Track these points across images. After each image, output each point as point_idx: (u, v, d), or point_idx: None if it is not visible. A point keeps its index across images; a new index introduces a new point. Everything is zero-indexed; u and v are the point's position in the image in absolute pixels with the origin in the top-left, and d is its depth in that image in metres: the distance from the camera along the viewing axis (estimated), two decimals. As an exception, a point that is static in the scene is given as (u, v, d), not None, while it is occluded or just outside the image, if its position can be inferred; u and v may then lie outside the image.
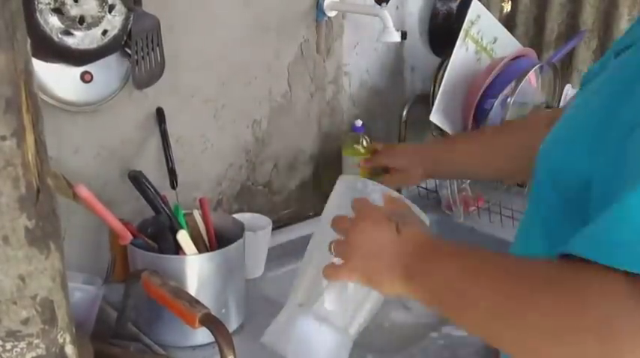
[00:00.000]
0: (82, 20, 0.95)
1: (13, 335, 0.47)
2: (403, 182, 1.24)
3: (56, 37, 0.94)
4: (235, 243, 1.00)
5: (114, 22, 0.99)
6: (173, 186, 1.13)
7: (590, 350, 0.50)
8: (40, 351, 0.49)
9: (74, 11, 0.94)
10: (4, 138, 0.43)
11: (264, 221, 1.23)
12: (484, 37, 1.46)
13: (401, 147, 1.34)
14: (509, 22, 1.66)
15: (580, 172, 0.59)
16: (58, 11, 0.93)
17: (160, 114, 1.13)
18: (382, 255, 0.66)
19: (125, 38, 1.01)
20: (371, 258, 0.67)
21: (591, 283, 0.51)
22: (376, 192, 0.75)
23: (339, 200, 0.79)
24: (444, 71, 1.42)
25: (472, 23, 1.42)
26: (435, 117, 1.44)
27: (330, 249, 0.71)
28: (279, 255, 1.30)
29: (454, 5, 1.60)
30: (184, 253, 0.98)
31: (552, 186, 0.66)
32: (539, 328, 0.52)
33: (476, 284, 0.58)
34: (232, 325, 1.02)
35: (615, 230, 0.50)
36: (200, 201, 1.11)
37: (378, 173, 1.23)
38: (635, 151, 0.52)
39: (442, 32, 1.60)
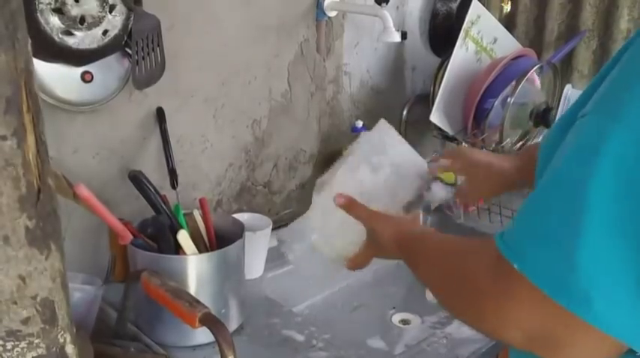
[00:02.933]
0: (82, 20, 0.95)
1: (13, 334, 0.47)
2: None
3: (57, 36, 0.94)
4: (235, 243, 1.00)
5: (114, 22, 0.99)
6: (173, 186, 1.13)
7: (466, 304, 0.62)
8: (40, 351, 0.49)
9: (75, 11, 0.94)
10: (4, 137, 0.43)
11: (264, 221, 1.23)
12: (484, 37, 1.46)
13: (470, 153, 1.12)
14: (509, 22, 1.66)
15: None
16: (59, 11, 0.93)
17: (160, 114, 1.13)
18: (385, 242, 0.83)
19: (125, 38, 1.01)
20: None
21: (479, 253, 0.61)
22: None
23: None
24: (444, 71, 1.42)
25: (472, 23, 1.42)
26: (435, 117, 1.44)
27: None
28: (279, 255, 1.30)
29: (454, 5, 1.60)
30: (184, 253, 0.98)
31: None
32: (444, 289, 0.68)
33: (417, 261, 0.76)
34: (232, 325, 1.02)
35: (516, 219, 0.58)
36: (200, 201, 1.11)
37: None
38: (562, 146, 0.56)
39: (442, 32, 1.60)
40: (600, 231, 0.49)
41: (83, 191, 0.87)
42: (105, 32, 0.98)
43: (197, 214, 1.09)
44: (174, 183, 1.13)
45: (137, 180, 0.99)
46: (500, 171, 0.99)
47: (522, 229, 0.56)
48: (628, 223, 0.49)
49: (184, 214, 1.06)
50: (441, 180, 1.03)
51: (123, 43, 1.01)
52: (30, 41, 0.45)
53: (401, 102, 1.59)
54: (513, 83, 1.37)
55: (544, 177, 0.56)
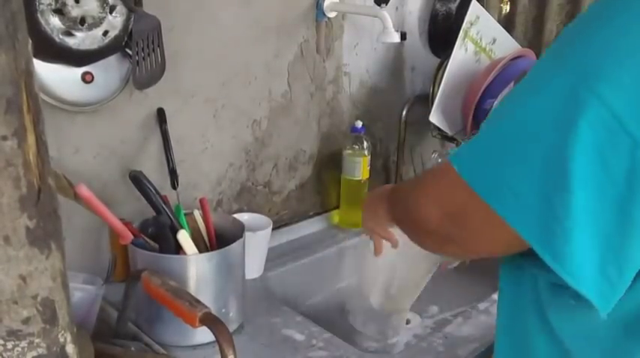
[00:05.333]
0: (82, 21, 0.95)
1: (14, 334, 0.47)
2: None
3: (57, 37, 0.94)
4: (235, 243, 1.00)
5: (115, 23, 0.99)
6: (174, 186, 1.13)
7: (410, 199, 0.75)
8: (41, 350, 0.49)
9: (75, 12, 0.94)
10: (5, 138, 0.43)
11: (264, 221, 1.24)
12: (483, 37, 1.46)
13: None
14: (508, 22, 1.66)
15: None
16: (59, 12, 0.93)
17: (160, 114, 1.13)
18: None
19: (126, 39, 1.01)
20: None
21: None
22: None
23: None
24: (444, 71, 1.42)
25: (471, 24, 1.42)
26: (434, 118, 1.45)
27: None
28: (279, 255, 1.31)
29: (453, 6, 1.60)
30: (185, 253, 0.98)
31: None
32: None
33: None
34: (232, 325, 1.02)
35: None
36: (200, 201, 1.11)
37: None
38: None
39: (441, 33, 1.61)
40: (519, 145, 0.56)
41: (84, 191, 0.87)
42: (105, 33, 0.98)
43: (197, 214, 1.09)
44: (174, 183, 1.13)
45: (138, 180, 0.99)
46: None
47: (471, 147, 0.63)
48: (541, 141, 0.55)
49: (185, 214, 1.07)
50: None
51: (123, 43, 1.01)
52: (30, 42, 0.46)
53: (400, 102, 1.60)
54: (512, 84, 1.37)
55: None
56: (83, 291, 0.95)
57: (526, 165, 0.55)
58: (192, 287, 0.95)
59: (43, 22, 0.92)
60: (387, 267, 1.07)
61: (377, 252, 1.06)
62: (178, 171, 1.14)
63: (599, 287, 0.55)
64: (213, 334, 0.79)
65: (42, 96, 0.93)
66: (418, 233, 0.75)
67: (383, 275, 1.07)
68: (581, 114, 0.51)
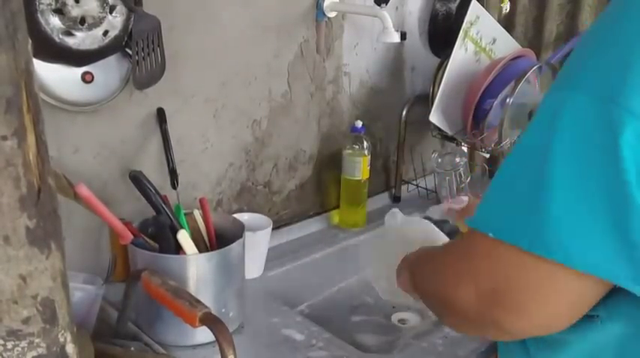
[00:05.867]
0: (82, 21, 0.95)
1: (14, 334, 0.47)
2: None
3: (57, 37, 0.94)
4: (235, 243, 1.00)
5: (115, 23, 0.99)
6: (174, 186, 1.13)
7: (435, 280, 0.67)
8: (41, 350, 0.49)
9: (75, 12, 0.94)
10: (4, 137, 0.43)
11: (264, 221, 1.24)
12: (483, 37, 1.46)
13: None
14: (508, 22, 1.66)
15: None
16: (59, 12, 0.93)
17: (160, 114, 1.13)
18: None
19: (126, 39, 1.01)
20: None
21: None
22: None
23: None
24: (444, 71, 1.43)
25: (471, 24, 1.42)
26: (434, 118, 1.45)
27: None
28: (279, 255, 1.31)
29: (453, 6, 1.60)
30: (185, 253, 0.98)
31: None
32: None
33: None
34: (232, 324, 1.02)
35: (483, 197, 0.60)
36: (200, 201, 1.11)
37: None
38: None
39: (441, 33, 1.61)
40: (565, 185, 0.52)
41: (84, 191, 0.87)
42: (105, 33, 0.98)
43: (197, 214, 1.09)
44: (174, 183, 1.13)
45: (137, 180, 0.99)
46: None
47: (489, 201, 0.58)
48: (588, 172, 0.51)
49: (185, 214, 1.07)
50: None
51: (123, 43, 1.01)
52: (30, 42, 0.46)
53: (400, 102, 1.60)
54: (512, 83, 1.37)
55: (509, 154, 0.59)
56: (83, 291, 0.95)
57: (585, 205, 0.51)
58: (192, 287, 0.95)
59: (43, 22, 0.92)
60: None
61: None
62: (178, 171, 1.14)
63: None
64: (213, 334, 0.79)
65: (42, 96, 0.93)
66: (454, 319, 0.67)
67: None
68: (620, 133, 0.49)
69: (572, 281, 0.53)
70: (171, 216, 1.01)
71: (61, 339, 0.50)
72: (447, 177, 1.55)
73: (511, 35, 1.57)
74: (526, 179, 0.55)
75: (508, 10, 1.65)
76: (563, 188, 0.52)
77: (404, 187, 1.66)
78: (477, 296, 0.57)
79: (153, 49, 1.04)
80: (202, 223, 1.09)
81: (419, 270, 0.77)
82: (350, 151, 1.43)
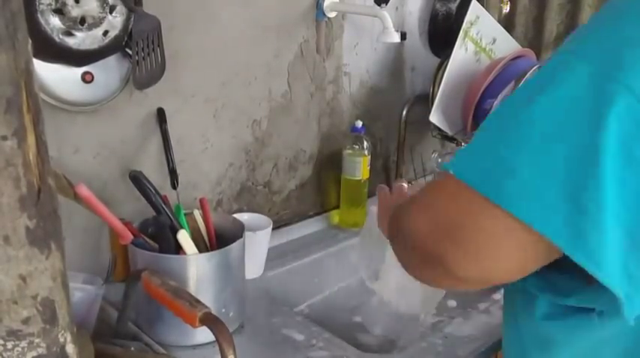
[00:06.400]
0: (82, 21, 0.95)
1: (14, 334, 0.47)
2: None
3: (57, 37, 0.94)
4: (235, 243, 1.00)
5: (115, 23, 0.99)
6: (174, 186, 1.13)
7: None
8: (41, 350, 0.49)
9: (75, 12, 0.94)
10: (4, 138, 0.43)
11: (264, 221, 1.24)
12: (483, 37, 1.46)
13: None
14: (508, 22, 1.66)
15: None
16: (59, 12, 0.93)
17: (160, 114, 1.14)
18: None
19: (126, 39, 1.01)
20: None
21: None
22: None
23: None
24: (444, 71, 1.43)
25: (471, 24, 1.42)
26: (434, 118, 1.45)
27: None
28: (279, 255, 1.31)
29: (453, 6, 1.60)
30: (185, 253, 0.98)
31: None
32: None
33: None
34: (232, 325, 1.02)
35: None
36: (200, 201, 1.11)
37: None
38: None
39: (441, 33, 1.61)
40: (538, 139, 0.52)
41: (84, 191, 0.87)
42: (105, 33, 0.98)
43: (197, 214, 1.09)
44: (174, 183, 1.13)
45: (137, 180, 1.00)
46: None
47: (468, 147, 0.59)
48: (565, 132, 0.51)
49: (185, 214, 1.07)
50: None
51: (123, 43, 1.01)
52: (30, 42, 0.46)
53: (400, 102, 1.60)
54: (512, 84, 1.37)
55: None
56: (83, 291, 0.95)
57: (548, 166, 0.52)
58: (192, 287, 0.95)
59: (43, 22, 0.92)
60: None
61: None
62: (178, 171, 1.14)
63: (623, 286, 0.52)
64: (213, 334, 0.79)
65: (42, 96, 0.93)
66: (403, 248, 0.67)
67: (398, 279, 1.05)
68: (611, 106, 0.49)
69: (523, 236, 0.54)
70: (171, 216, 1.01)
71: (61, 339, 0.50)
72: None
73: (511, 35, 1.57)
74: (503, 129, 0.56)
75: (508, 10, 1.66)
76: (535, 142, 0.53)
77: (404, 187, 1.66)
78: (430, 228, 0.59)
79: (153, 49, 1.04)
80: (202, 223, 1.09)
81: (394, 211, 0.77)
82: (350, 151, 1.43)
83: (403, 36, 1.32)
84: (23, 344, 0.48)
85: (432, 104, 1.45)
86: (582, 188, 0.50)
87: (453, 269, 0.58)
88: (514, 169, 0.53)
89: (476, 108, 1.42)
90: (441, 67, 1.47)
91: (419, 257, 0.62)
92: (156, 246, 0.99)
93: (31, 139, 0.45)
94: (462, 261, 0.57)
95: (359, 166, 1.43)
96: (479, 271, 0.58)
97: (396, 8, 1.53)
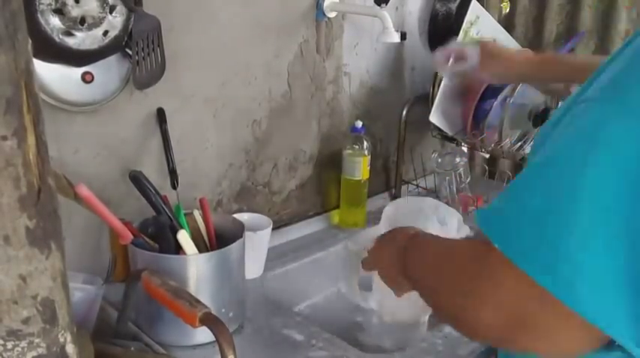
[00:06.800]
0: (82, 21, 0.95)
1: (14, 334, 0.47)
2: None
3: (57, 37, 0.94)
4: (235, 243, 1.00)
5: (115, 23, 0.99)
6: (174, 186, 1.13)
7: (449, 293, 0.63)
8: (41, 350, 0.49)
9: (75, 12, 0.94)
10: (4, 138, 0.43)
11: (264, 221, 1.24)
12: (483, 37, 1.46)
13: (507, 55, 1.26)
14: (508, 22, 1.66)
15: None
16: (59, 12, 0.93)
17: (160, 114, 1.14)
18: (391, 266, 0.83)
19: (126, 39, 1.01)
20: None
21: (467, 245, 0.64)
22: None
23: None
24: (444, 71, 1.42)
25: (471, 24, 1.42)
26: (434, 118, 1.45)
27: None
28: (279, 255, 1.31)
29: (453, 6, 1.60)
30: (185, 253, 0.98)
31: None
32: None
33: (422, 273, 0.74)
34: (232, 325, 1.02)
35: (496, 203, 0.56)
36: (200, 201, 1.11)
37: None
38: (559, 128, 0.55)
39: (441, 33, 1.61)
40: (591, 221, 0.48)
41: (84, 191, 0.87)
42: (105, 33, 0.98)
43: (197, 214, 1.09)
44: (174, 183, 1.13)
45: (137, 180, 1.00)
46: (509, 55, 1.21)
47: (507, 207, 0.54)
48: (621, 216, 0.47)
49: (185, 214, 1.07)
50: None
51: (123, 43, 1.01)
52: (30, 42, 0.46)
53: (400, 102, 1.59)
54: (512, 84, 1.37)
55: (537, 156, 0.54)
56: (83, 291, 0.95)
57: (605, 247, 0.47)
58: (192, 287, 0.95)
59: (43, 22, 0.92)
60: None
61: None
62: (178, 171, 1.14)
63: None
64: (213, 334, 0.79)
65: (42, 96, 0.93)
66: (468, 333, 0.63)
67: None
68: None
69: (583, 327, 0.50)
70: (171, 216, 1.01)
71: (61, 339, 0.50)
72: (447, 177, 1.55)
73: (511, 35, 1.57)
74: (549, 198, 0.50)
75: (508, 10, 1.66)
76: (587, 224, 0.48)
77: (404, 187, 1.66)
78: (504, 322, 0.55)
79: (153, 49, 1.04)
80: (202, 223, 1.09)
81: (420, 263, 0.74)
82: (350, 151, 1.43)
83: (403, 36, 1.32)
84: (23, 344, 0.48)
85: (432, 104, 1.45)
86: None
87: (534, 348, 0.55)
88: (576, 258, 0.48)
89: (476, 109, 1.42)
90: (441, 67, 1.47)
91: (497, 343, 0.61)
92: (156, 246, 0.99)
93: (31, 139, 0.45)
94: (542, 346, 0.54)
95: (359, 166, 1.43)
96: (557, 352, 0.56)
97: (396, 8, 1.53)
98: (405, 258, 0.77)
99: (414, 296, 0.79)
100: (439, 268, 0.68)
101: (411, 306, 0.97)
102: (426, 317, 1.13)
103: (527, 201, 0.53)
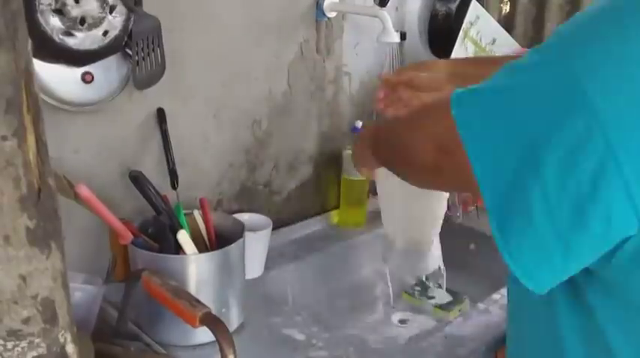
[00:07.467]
0: (82, 21, 0.95)
1: (14, 334, 0.47)
2: None
3: (57, 37, 0.94)
4: (235, 243, 1.00)
5: (114, 23, 0.99)
6: (174, 187, 1.13)
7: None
8: (41, 350, 0.49)
9: (75, 12, 0.94)
10: (5, 138, 0.43)
11: (264, 221, 1.24)
12: (483, 37, 1.46)
13: (430, 61, 1.25)
14: (507, 22, 1.66)
15: None
16: (59, 12, 0.93)
17: (160, 114, 1.14)
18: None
19: (126, 39, 1.01)
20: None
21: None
22: None
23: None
24: (444, 71, 1.42)
25: (471, 24, 1.42)
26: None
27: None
28: (279, 255, 1.31)
29: (453, 6, 1.60)
30: (185, 253, 0.98)
31: None
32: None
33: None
34: (232, 325, 1.02)
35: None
36: (200, 201, 1.11)
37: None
38: None
39: (441, 33, 1.60)
40: (507, 118, 0.57)
41: (84, 191, 0.87)
42: (105, 33, 0.98)
43: (197, 214, 1.09)
44: (174, 183, 1.13)
45: (137, 180, 1.00)
46: (451, 65, 1.12)
47: (476, 86, 0.61)
48: (527, 127, 0.55)
49: (185, 214, 1.07)
50: None
51: (123, 43, 1.01)
52: (30, 42, 0.46)
53: (401, 102, 1.59)
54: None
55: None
56: (83, 291, 0.95)
57: (513, 140, 0.55)
58: (192, 287, 0.95)
59: (42, 22, 0.92)
60: (400, 204, 1.08)
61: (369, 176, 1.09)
62: (178, 171, 1.14)
63: (541, 272, 0.57)
64: (213, 334, 0.79)
65: (42, 96, 0.93)
66: (410, 168, 0.75)
67: (398, 213, 1.08)
68: (569, 111, 0.52)
69: None
70: (172, 216, 1.01)
71: (61, 339, 0.50)
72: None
73: (511, 35, 1.57)
74: (495, 92, 0.59)
75: (508, 10, 1.66)
76: (507, 115, 0.57)
77: (404, 187, 1.65)
78: (435, 148, 0.65)
79: (153, 49, 1.04)
80: (202, 223, 1.09)
81: (383, 136, 0.85)
82: (350, 151, 1.43)
83: (403, 36, 1.32)
84: (23, 344, 0.48)
85: (432, 104, 1.44)
86: (525, 174, 0.54)
87: (454, 177, 0.67)
88: (491, 135, 0.57)
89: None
90: (441, 67, 1.47)
91: (427, 171, 0.70)
92: (156, 245, 0.99)
93: (31, 139, 0.45)
94: (457, 174, 0.64)
95: (359, 166, 1.43)
96: (468, 184, 0.64)
97: (396, 8, 1.53)
98: (376, 131, 0.89)
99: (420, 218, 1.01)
100: (401, 126, 0.79)
101: (419, 228, 1.07)
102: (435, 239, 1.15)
103: (491, 87, 0.60)
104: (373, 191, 1.27)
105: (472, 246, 1.46)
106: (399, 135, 0.78)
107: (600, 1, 0.57)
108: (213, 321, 0.80)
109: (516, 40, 1.57)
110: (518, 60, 0.60)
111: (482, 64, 1.14)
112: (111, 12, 0.98)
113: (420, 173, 0.73)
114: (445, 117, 0.62)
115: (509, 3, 1.66)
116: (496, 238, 0.57)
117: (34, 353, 0.48)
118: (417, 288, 1.32)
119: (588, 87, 0.51)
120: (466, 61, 1.24)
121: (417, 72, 1.09)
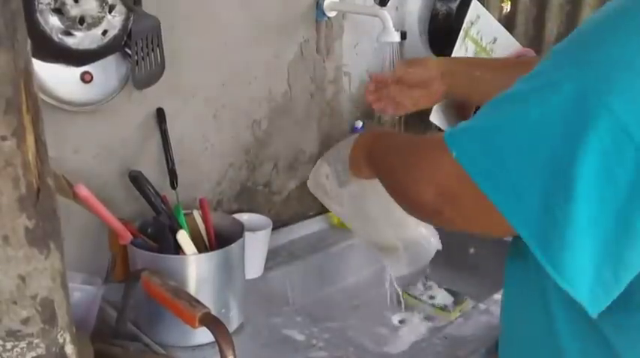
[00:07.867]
0: (82, 20, 0.95)
1: (13, 334, 0.47)
2: (425, 101, 1.14)
3: (56, 37, 0.94)
4: (235, 243, 1.00)
5: (114, 23, 0.99)
6: (173, 187, 1.13)
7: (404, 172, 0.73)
8: (40, 351, 0.49)
9: (74, 11, 0.94)
10: (4, 138, 0.43)
11: (264, 221, 1.24)
12: (484, 37, 1.46)
13: (420, 59, 1.19)
14: (508, 22, 1.66)
15: None
16: (59, 11, 0.93)
17: (160, 114, 1.13)
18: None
19: (125, 38, 1.01)
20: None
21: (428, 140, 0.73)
22: None
23: None
24: (444, 71, 1.42)
25: (472, 23, 1.42)
26: (434, 118, 1.44)
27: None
28: (279, 255, 1.31)
29: (454, 5, 1.60)
30: (184, 253, 0.98)
31: None
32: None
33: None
34: (232, 325, 1.02)
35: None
36: (200, 201, 1.11)
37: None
38: None
39: (442, 32, 1.60)
40: (525, 144, 0.56)
41: (83, 191, 0.87)
42: (104, 32, 0.98)
43: (197, 214, 1.09)
44: (174, 184, 1.13)
45: (137, 180, 0.99)
46: (442, 63, 1.10)
47: (470, 127, 0.62)
48: (549, 145, 0.54)
49: (184, 214, 1.07)
50: None
51: (123, 43, 1.01)
52: (29, 41, 0.46)
53: (401, 102, 1.59)
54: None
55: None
56: (82, 291, 0.95)
57: (532, 166, 0.54)
58: (192, 288, 0.95)
59: (42, 21, 0.92)
60: (356, 212, 1.06)
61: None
62: (178, 171, 1.14)
63: (593, 290, 0.55)
64: (213, 334, 0.79)
65: (41, 96, 0.93)
66: (409, 206, 0.74)
67: (358, 223, 1.07)
68: (591, 125, 0.51)
69: (500, 219, 0.58)
70: (171, 217, 1.01)
71: (60, 340, 0.50)
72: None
73: (511, 35, 1.57)
74: (501, 121, 0.58)
75: (509, 9, 1.66)
76: (525, 143, 0.56)
77: (404, 187, 1.65)
78: (434, 194, 0.65)
79: (152, 49, 1.04)
80: (202, 223, 1.09)
81: (380, 159, 0.85)
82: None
83: (403, 36, 1.32)
84: (22, 344, 0.48)
85: (432, 104, 1.44)
86: (556, 197, 0.53)
87: (455, 224, 0.67)
88: (506, 165, 0.56)
89: (476, 108, 1.42)
90: (441, 66, 1.47)
91: (427, 212, 0.69)
92: (155, 246, 0.99)
93: (30, 139, 0.45)
94: (461, 222, 0.66)
95: (359, 166, 1.42)
96: (474, 229, 0.67)
97: (396, 8, 1.53)
98: (372, 143, 0.89)
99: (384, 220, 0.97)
100: (397, 150, 0.79)
101: (384, 230, 1.03)
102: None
103: (483, 117, 0.61)
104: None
105: (472, 251, 1.46)
106: (394, 169, 0.76)
107: (593, 17, 0.58)
108: (212, 322, 0.80)
109: (517, 40, 1.57)
110: (512, 88, 0.60)
111: (473, 63, 1.14)
112: (110, 11, 0.98)
113: (420, 212, 0.73)
114: (444, 161, 0.61)
115: (509, 2, 1.66)
116: (548, 269, 0.55)
117: (33, 354, 0.48)
118: (418, 288, 1.32)
119: (604, 96, 0.51)
120: (457, 59, 1.24)
121: (407, 69, 1.09)
